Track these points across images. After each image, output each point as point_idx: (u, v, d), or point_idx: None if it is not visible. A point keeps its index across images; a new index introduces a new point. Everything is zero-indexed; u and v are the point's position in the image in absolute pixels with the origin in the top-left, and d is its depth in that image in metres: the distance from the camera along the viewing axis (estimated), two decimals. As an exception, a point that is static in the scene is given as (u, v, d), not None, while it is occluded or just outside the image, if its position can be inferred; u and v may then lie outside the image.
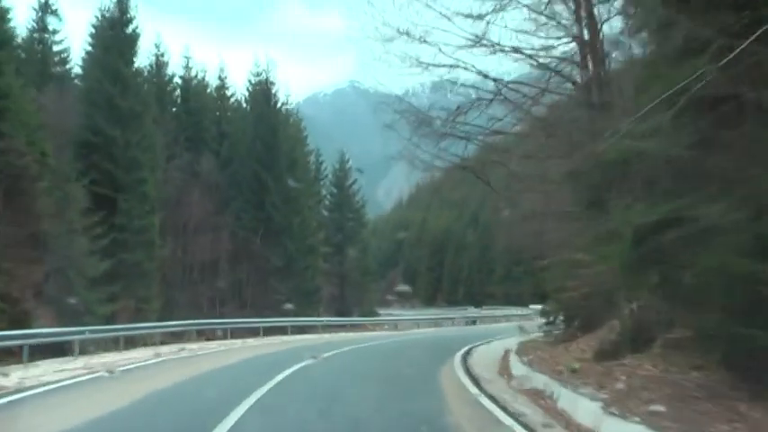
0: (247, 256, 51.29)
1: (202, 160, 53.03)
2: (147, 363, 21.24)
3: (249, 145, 54.38)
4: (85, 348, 25.75)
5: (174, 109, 55.96)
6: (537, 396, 13.18)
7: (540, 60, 20.82)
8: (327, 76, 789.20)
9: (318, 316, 54.10)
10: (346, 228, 71.97)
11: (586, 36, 20.80)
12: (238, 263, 51.59)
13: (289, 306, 49.27)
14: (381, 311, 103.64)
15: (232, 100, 60.39)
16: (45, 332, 24.40)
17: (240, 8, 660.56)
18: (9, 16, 36.74)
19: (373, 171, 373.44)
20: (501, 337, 32.46)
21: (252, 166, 53.50)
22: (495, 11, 19.88)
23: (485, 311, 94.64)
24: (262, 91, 56.70)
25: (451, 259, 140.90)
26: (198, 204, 49.16)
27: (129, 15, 43.40)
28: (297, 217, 54.15)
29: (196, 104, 56.70)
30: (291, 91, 60.14)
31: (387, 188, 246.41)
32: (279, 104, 57.57)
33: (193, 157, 52.75)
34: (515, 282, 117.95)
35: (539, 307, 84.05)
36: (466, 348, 25.65)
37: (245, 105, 59.64)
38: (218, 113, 57.84)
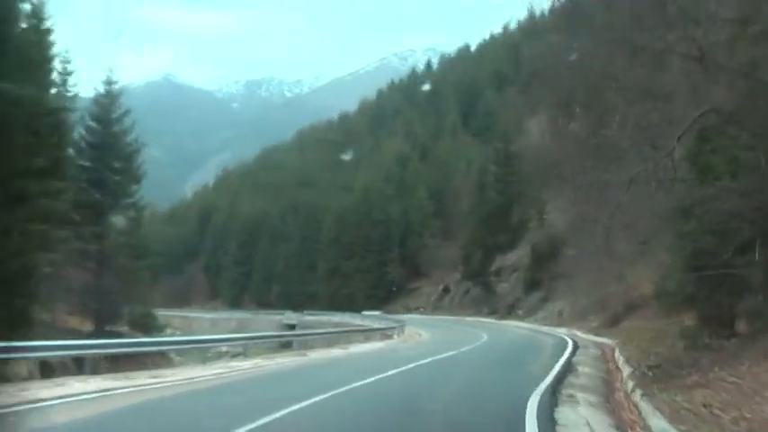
0: None
1: None
2: None
3: None
4: None
5: None
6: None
7: None
8: (141, 67, 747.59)
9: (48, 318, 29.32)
10: (109, 183, 45.32)
11: None
12: None
13: None
14: (168, 313, 79.65)
15: None
16: None
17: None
18: None
19: (183, 166, 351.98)
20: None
21: None
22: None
23: (309, 317, 72.08)
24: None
25: (264, 251, 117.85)
26: None
27: None
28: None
29: None
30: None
31: (195, 184, 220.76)
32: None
33: None
34: (345, 280, 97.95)
35: (376, 313, 62.75)
36: None
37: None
38: None
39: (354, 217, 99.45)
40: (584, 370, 17.96)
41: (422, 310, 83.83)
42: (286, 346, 34.21)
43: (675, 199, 17.88)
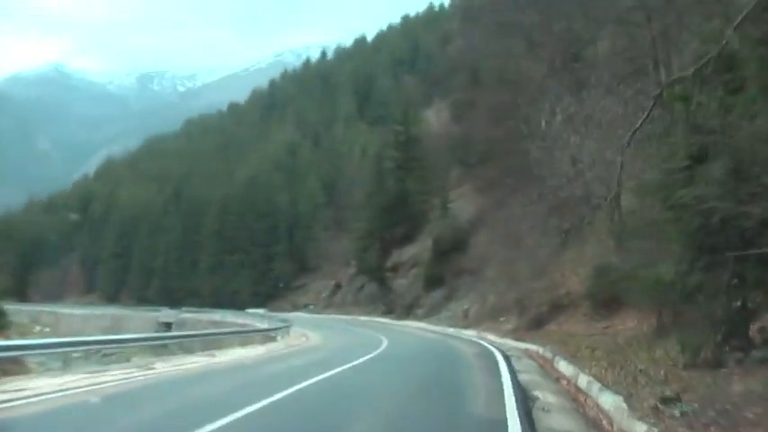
0: None
1: None
2: None
3: None
4: None
5: None
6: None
7: None
8: (32, 57, 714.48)
9: None
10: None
11: None
12: None
13: None
14: (36, 308, 72.84)
15: None
16: None
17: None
18: None
19: (72, 159, 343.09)
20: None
21: None
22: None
23: (187, 315, 65.42)
24: None
25: (144, 244, 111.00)
26: None
27: None
28: None
29: None
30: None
31: (85, 174, 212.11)
32: None
33: None
34: (229, 275, 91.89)
35: (261, 311, 56.35)
36: None
37: None
38: None
39: (239, 208, 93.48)
40: (549, 399, 11.98)
41: (311, 307, 78.07)
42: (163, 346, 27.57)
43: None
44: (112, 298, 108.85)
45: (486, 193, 48.83)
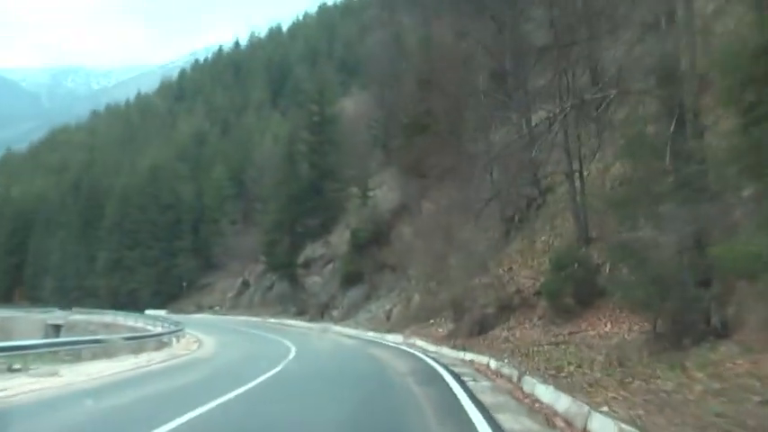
0: None
1: None
2: None
3: None
4: None
5: None
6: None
7: None
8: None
9: None
10: None
11: None
12: None
13: None
14: None
15: None
16: None
17: None
18: None
19: None
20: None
21: None
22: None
23: (78, 316, 59.60)
24: None
25: (39, 239, 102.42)
26: None
27: None
28: None
29: None
30: None
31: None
32: None
33: None
34: (128, 273, 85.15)
35: (162, 312, 49.93)
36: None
37: None
38: None
39: (140, 200, 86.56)
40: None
41: (217, 309, 71.93)
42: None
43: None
44: (5, 298, 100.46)
45: (412, 178, 43.36)
